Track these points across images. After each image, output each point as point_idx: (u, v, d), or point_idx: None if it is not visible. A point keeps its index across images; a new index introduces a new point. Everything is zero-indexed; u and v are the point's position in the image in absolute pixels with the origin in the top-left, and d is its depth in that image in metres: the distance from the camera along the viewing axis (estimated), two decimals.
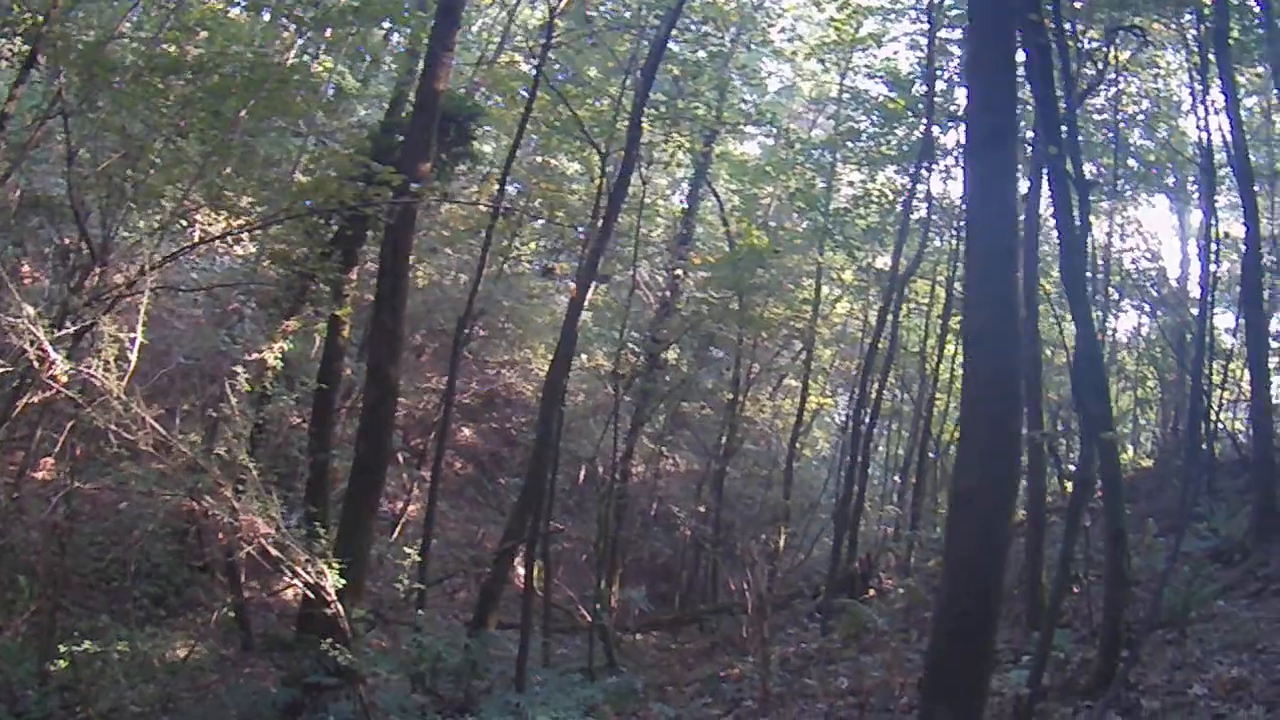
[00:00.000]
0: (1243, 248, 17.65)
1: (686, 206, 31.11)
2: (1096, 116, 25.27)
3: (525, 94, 20.93)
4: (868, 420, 22.47)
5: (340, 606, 10.64)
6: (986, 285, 8.09)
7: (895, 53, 24.55)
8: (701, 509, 26.55)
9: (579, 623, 18.90)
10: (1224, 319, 25.20)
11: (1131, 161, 26.31)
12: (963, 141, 22.06)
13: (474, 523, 26.93)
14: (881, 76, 24.45)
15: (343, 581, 10.81)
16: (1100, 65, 18.75)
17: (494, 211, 20.69)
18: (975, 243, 8.69)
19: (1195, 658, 10.66)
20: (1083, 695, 10.04)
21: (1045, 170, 12.36)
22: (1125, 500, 20.90)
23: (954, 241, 23.63)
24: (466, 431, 29.81)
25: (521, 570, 17.89)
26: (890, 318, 22.05)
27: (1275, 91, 23.06)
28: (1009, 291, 8.04)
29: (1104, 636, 10.44)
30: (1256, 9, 19.29)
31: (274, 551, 10.57)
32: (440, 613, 19.60)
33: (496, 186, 21.62)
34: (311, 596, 11.07)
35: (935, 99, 21.99)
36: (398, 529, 22.73)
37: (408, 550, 19.06)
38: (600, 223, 17.47)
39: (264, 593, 19.04)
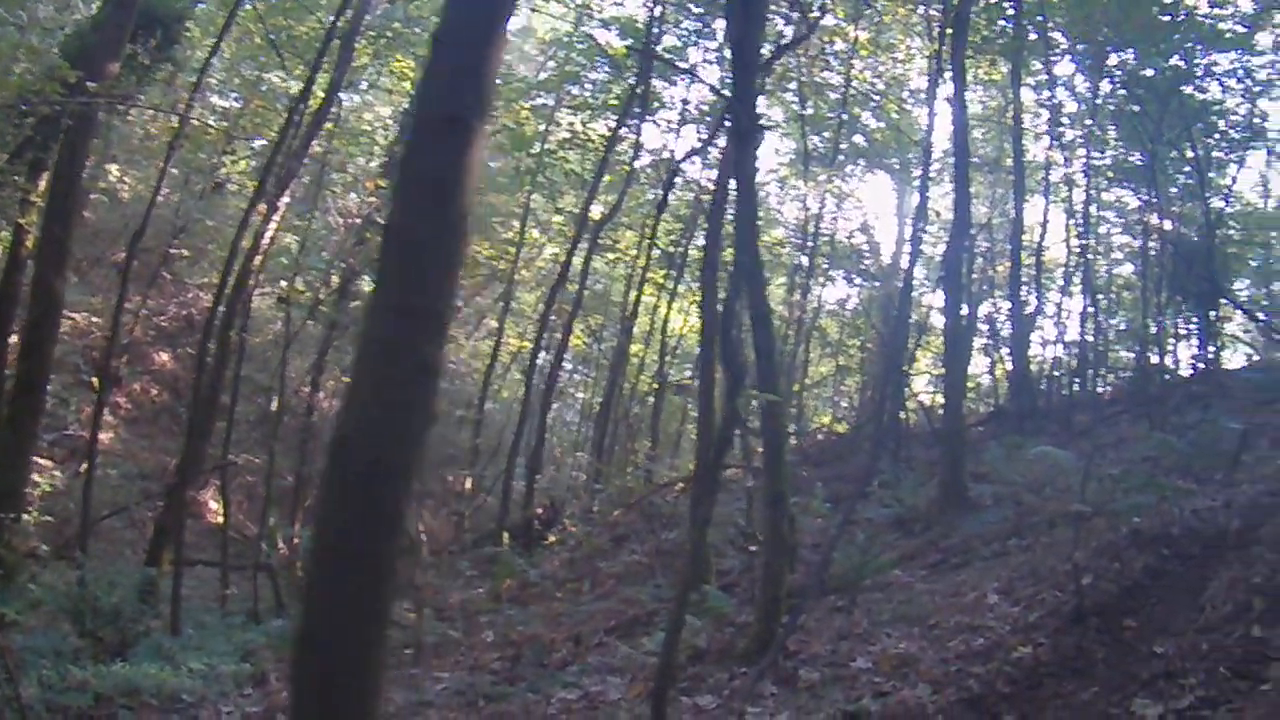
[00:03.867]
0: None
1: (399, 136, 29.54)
2: (833, 95, 25.37)
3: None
4: (552, 364, 21.70)
5: None
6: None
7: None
8: None
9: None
10: (938, 298, 25.33)
11: (859, 138, 26.59)
12: (685, 98, 23.84)
13: (169, 453, 24.84)
14: (617, 28, 23.80)
15: None
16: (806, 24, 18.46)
17: (203, 126, 19.79)
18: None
19: (863, 628, 9.94)
20: (741, 660, 9.34)
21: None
22: (815, 464, 21.23)
23: (659, 194, 23.03)
24: (164, 356, 27.39)
25: (213, 504, 16.98)
26: (583, 262, 21.20)
27: (1012, 89, 23.32)
28: None
29: (762, 601, 9.83)
30: (1009, 9, 19.60)
31: None
32: (130, 548, 17.72)
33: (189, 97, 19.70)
34: None
35: (667, 55, 21.36)
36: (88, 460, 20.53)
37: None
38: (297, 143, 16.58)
39: None
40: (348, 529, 4.56)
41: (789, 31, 20.76)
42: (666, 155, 24.86)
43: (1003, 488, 14.21)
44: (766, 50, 13.91)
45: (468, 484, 23.47)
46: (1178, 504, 10.20)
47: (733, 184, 11.06)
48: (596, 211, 24.19)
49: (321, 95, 17.75)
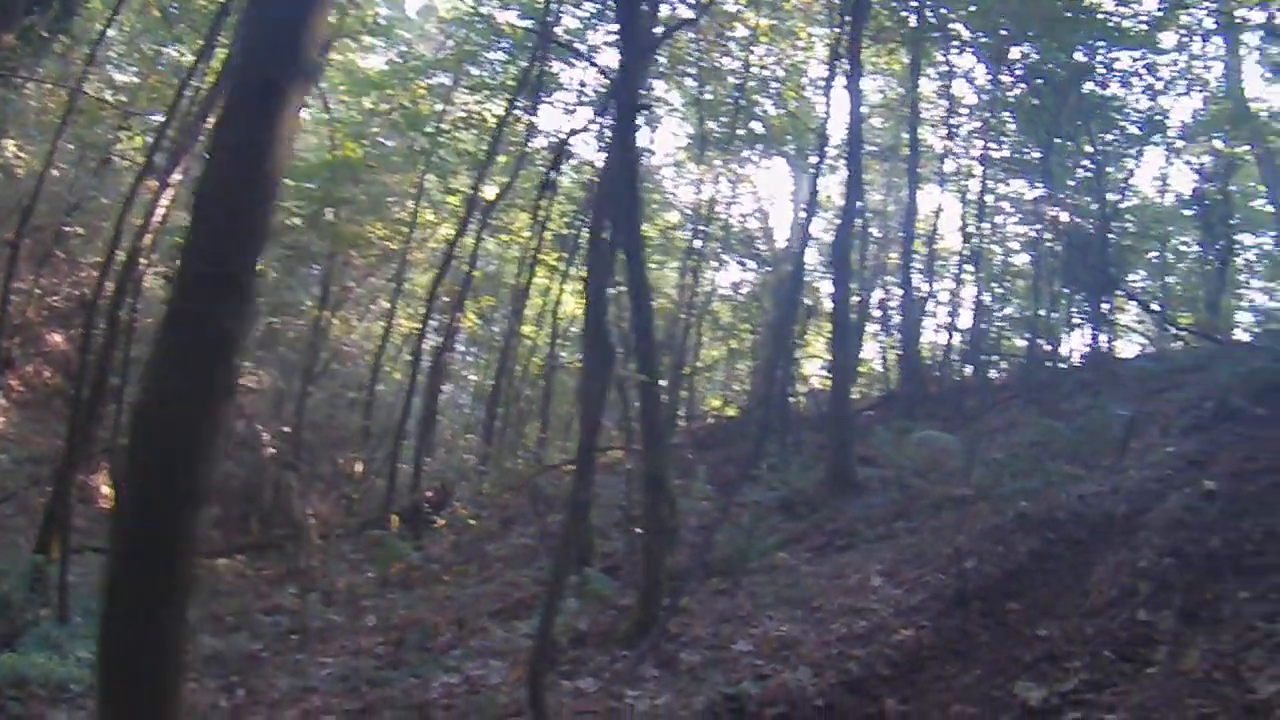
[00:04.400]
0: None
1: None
2: (732, 80, 25.28)
3: None
4: (440, 346, 21.28)
5: None
6: None
7: None
8: (286, 429, 24.64)
9: None
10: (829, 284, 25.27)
11: (756, 125, 26.52)
12: (583, 80, 23.77)
13: (62, 436, 23.94)
14: (517, 8, 23.54)
15: None
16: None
17: (98, 101, 19.26)
18: None
19: (746, 611, 9.75)
20: (622, 643, 9.14)
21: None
22: (704, 448, 21.05)
23: (553, 174, 22.70)
24: (57, 337, 26.37)
25: (104, 489, 16.58)
26: (474, 243, 20.89)
27: (911, 78, 23.78)
28: None
29: (642, 583, 9.68)
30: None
31: None
32: (22, 535, 17.04)
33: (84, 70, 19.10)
34: None
35: (566, 37, 21.21)
36: None
37: None
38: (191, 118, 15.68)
39: None
40: (148, 499, 4.32)
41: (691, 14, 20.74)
42: (561, 137, 24.50)
43: (890, 471, 14.07)
44: (662, 29, 13.79)
45: (358, 467, 23.00)
46: (1064, 489, 10.10)
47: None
48: (490, 193, 23.78)
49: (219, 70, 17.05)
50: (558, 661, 8.78)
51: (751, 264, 27.96)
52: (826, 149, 18.15)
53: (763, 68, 26.18)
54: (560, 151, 18.73)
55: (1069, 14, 19.58)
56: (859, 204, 20.37)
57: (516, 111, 23.20)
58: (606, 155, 15.03)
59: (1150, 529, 8.60)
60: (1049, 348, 22.87)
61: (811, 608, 9.34)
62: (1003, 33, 21.22)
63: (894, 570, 9.68)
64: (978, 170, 24.95)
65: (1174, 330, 24.52)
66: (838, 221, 18.37)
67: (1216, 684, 6.13)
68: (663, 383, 18.92)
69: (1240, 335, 24.52)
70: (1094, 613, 7.50)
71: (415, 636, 10.85)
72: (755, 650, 8.37)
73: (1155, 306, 25.30)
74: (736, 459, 17.43)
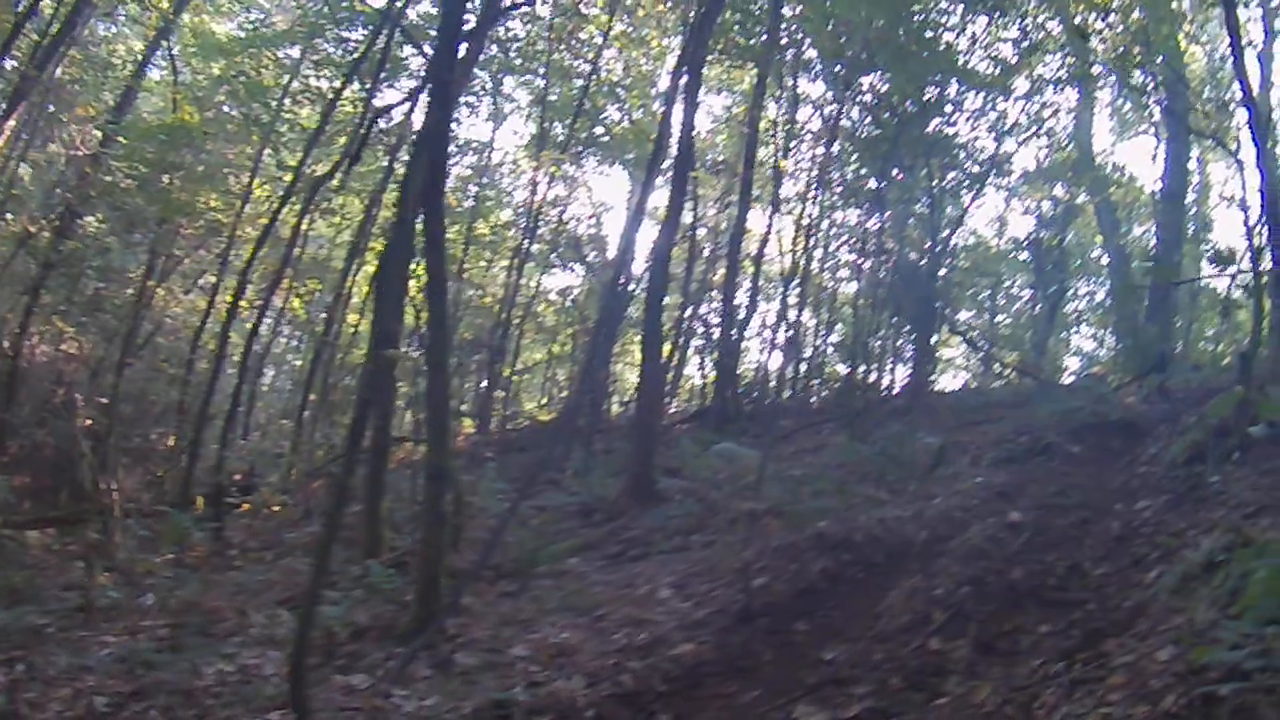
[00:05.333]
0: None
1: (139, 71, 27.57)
2: (579, 82, 25.01)
3: None
4: (254, 325, 20.77)
5: None
6: None
7: None
8: (104, 400, 23.44)
9: None
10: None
11: (598, 129, 26.31)
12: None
13: None
14: None
15: None
16: None
17: None
18: None
19: (528, 615, 9.32)
20: (401, 640, 8.62)
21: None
22: (518, 450, 20.55)
23: (388, 158, 22.08)
24: None
25: None
26: (298, 221, 20.87)
27: (755, 96, 23.52)
28: None
29: (420, 580, 9.23)
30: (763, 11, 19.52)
31: None
32: None
33: None
34: None
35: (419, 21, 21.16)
36: None
37: None
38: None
39: None
40: None
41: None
42: (400, 119, 23.80)
43: (692, 483, 13.76)
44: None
45: (170, 442, 22.03)
46: (866, 512, 9.83)
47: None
48: (319, 170, 22.93)
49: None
50: (334, 655, 8.37)
51: (580, 269, 27.61)
52: (662, 158, 17.85)
53: (610, 73, 25.89)
54: (369, 126, 18.22)
55: (916, 49, 19.64)
56: (688, 218, 20.20)
57: (356, 89, 22.44)
58: (417, 135, 14.49)
59: (950, 556, 8.36)
60: (870, 376, 22.91)
61: (595, 616, 8.94)
62: (852, 61, 21.23)
63: (684, 583, 9.29)
64: (813, 194, 24.93)
65: (998, 367, 24.86)
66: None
67: (1007, 719, 5.84)
68: (484, 384, 18.66)
69: (1064, 380, 24.91)
70: (885, 638, 7.21)
71: (198, 621, 10.22)
72: (532, 656, 7.97)
73: (981, 343, 25.63)
74: (542, 463, 16.98)
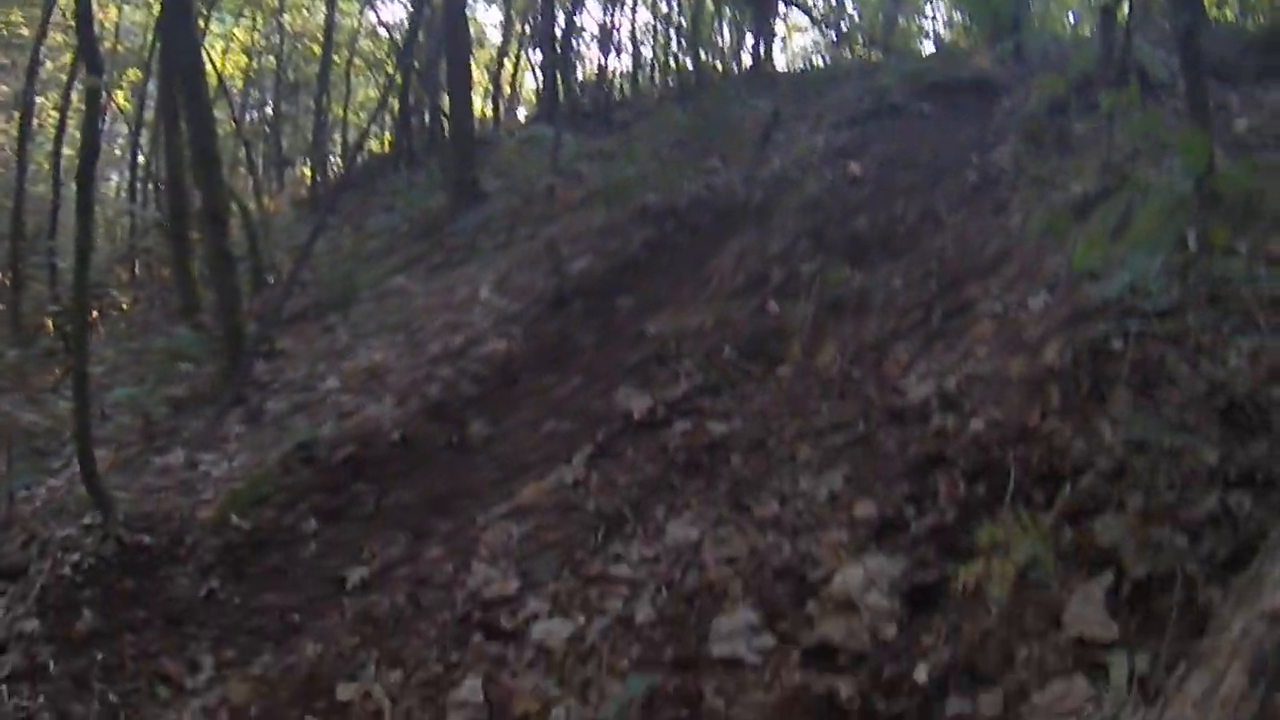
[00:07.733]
0: None
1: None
2: None
3: None
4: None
5: None
6: None
7: None
8: None
9: None
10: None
11: None
12: None
13: None
14: None
15: None
16: None
17: None
18: None
19: (344, 344, 8.52)
20: (213, 402, 7.83)
21: None
22: (352, 186, 19.42)
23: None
24: None
25: None
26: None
27: None
28: None
29: (222, 333, 8.39)
30: None
31: None
32: None
33: None
34: None
35: None
36: None
37: None
38: None
39: None
40: None
41: None
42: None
43: (514, 180, 12.81)
44: None
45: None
46: (695, 181, 8.98)
47: None
48: None
49: None
50: (153, 438, 7.46)
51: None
52: None
53: None
54: None
55: None
56: None
57: None
58: None
59: (784, 212, 7.59)
60: (712, 60, 21.89)
61: (412, 330, 8.18)
62: None
63: (505, 279, 8.47)
64: None
65: (845, 42, 23.74)
66: None
67: (855, 384, 5.23)
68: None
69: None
70: (716, 304, 6.47)
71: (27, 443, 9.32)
72: (342, 386, 7.27)
73: (823, 19, 24.44)
74: (384, 192, 15.94)
